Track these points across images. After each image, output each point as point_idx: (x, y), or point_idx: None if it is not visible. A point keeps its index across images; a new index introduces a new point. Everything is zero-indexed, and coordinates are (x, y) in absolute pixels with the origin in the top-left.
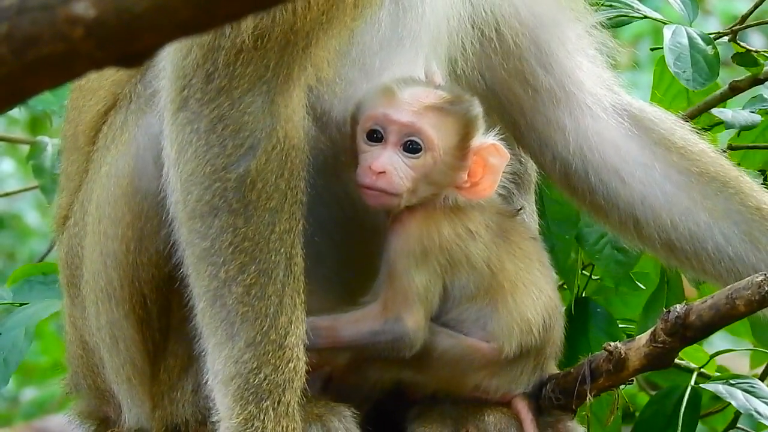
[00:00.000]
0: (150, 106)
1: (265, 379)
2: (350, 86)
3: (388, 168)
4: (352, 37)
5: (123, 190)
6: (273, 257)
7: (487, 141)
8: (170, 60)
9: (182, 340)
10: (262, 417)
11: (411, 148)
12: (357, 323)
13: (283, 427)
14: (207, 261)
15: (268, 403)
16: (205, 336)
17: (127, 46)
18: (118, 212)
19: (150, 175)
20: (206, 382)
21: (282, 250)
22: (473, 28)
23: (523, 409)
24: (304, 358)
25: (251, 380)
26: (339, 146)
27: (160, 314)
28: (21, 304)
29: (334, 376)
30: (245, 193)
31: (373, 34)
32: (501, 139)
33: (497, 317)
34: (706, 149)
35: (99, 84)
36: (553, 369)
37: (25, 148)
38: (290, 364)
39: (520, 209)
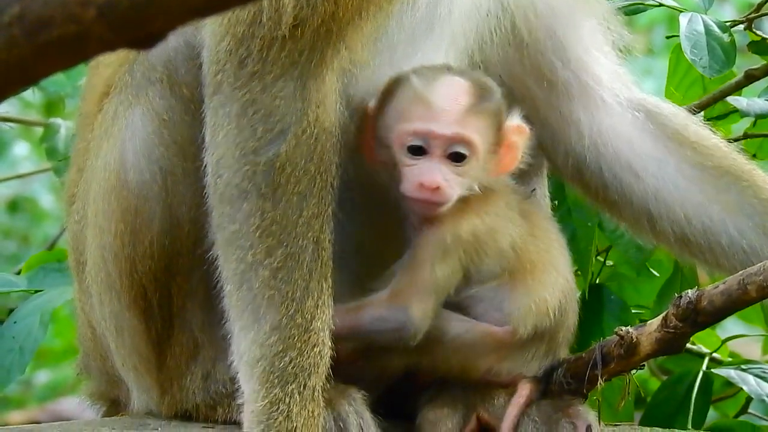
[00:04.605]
0: (137, 97)
1: (290, 363)
2: (377, 70)
3: (441, 183)
4: (386, 21)
5: (112, 183)
6: (300, 241)
7: (512, 122)
8: (206, 45)
9: (185, 329)
10: (287, 400)
11: (457, 157)
12: (364, 309)
13: (309, 412)
14: (235, 244)
15: (294, 386)
16: (232, 319)
17: (140, 29)
18: (110, 206)
19: (136, 169)
20: (230, 365)
21: (310, 234)
22: (495, 18)
23: (524, 387)
24: (329, 343)
25: (276, 363)
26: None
27: (161, 305)
28: (36, 292)
29: (343, 361)
30: (274, 177)
31: (407, 19)
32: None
33: (514, 297)
34: (719, 144)
35: (109, 62)
36: (565, 355)
37: (40, 131)
38: (315, 349)
39: (534, 190)
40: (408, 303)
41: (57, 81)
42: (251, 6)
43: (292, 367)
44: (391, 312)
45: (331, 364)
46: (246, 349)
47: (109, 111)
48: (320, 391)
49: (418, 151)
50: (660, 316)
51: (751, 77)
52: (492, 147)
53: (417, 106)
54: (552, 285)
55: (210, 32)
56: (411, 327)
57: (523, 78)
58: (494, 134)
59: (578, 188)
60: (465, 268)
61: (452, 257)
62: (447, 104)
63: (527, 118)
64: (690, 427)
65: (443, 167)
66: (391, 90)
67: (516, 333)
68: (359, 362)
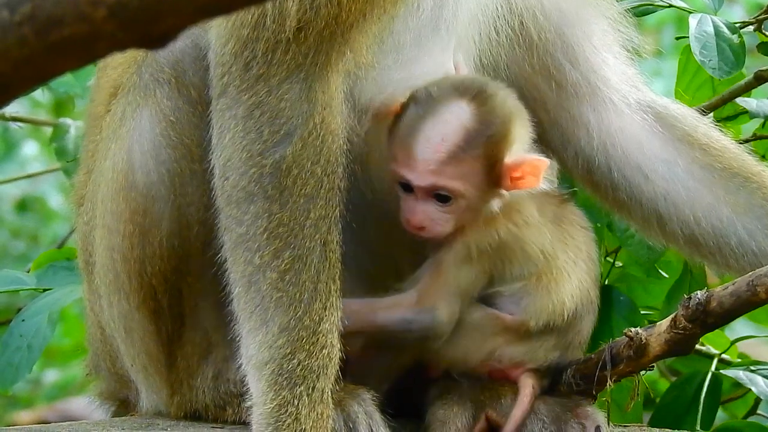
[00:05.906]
0: (144, 98)
1: (299, 365)
2: (385, 72)
3: (425, 222)
4: (392, 23)
5: (120, 184)
6: (308, 243)
7: (524, 158)
8: (212, 47)
9: (198, 328)
10: (296, 403)
11: (441, 198)
12: (390, 309)
13: (317, 414)
14: (242, 246)
15: (302, 388)
16: (240, 321)
17: (150, 28)
18: (118, 207)
19: (143, 170)
20: (239, 367)
21: (317, 236)
22: (502, 19)
23: (527, 385)
24: (338, 345)
25: (285, 365)
26: (371, 133)
27: (171, 304)
28: (45, 290)
29: (351, 356)
30: (281, 179)
31: (412, 21)
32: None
33: (535, 296)
34: (728, 145)
35: (117, 63)
36: (576, 357)
37: (49, 131)
38: (324, 351)
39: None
40: (435, 306)
41: (64, 81)
42: (255, 9)
43: (301, 369)
44: (418, 314)
45: (340, 366)
46: (254, 351)
47: (117, 112)
48: (329, 393)
49: (407, 188)
50: (669, 318)
51: (760, 78)
52: (487, 184)
53: (401, 150)
54: (572, 293)
55: (215, 35)
56: (438, 329)
57: (532, 79)
58: (486, 172)
59: (588, 188)
60: (489, 273)
61: (477, 264)
62: (426, 153)
63: (537, 119)
64: (699, 428)
65: (428, 207)
66: (399, 114)
67: (525, 324)
68: (368, 356)
